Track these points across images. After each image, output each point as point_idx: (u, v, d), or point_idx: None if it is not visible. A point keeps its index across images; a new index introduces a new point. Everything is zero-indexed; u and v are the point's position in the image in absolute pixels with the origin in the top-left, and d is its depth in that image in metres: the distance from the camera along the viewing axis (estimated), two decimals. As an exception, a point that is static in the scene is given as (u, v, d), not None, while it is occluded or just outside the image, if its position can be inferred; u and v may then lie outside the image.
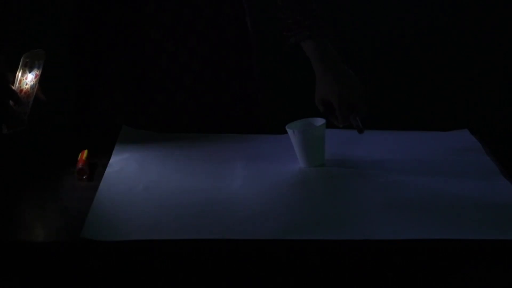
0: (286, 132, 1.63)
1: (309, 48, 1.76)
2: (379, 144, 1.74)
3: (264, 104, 1.97)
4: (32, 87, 1.57)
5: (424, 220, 1.37)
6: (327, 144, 1.66)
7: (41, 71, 1.59)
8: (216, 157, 1.67)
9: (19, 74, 1.56)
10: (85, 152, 1.60)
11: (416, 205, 1.43)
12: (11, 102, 1.53)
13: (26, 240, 1.31)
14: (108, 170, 1.58)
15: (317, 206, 1.44)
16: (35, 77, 1.57)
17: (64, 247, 1.30)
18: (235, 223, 1.37)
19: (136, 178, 1.55)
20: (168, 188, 1.51)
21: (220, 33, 1.85)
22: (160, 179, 1.55)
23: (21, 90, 1.55)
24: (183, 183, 1.53)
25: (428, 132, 1.83)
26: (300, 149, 1.62)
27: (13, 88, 1.53)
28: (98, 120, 1.85)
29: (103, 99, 1.84)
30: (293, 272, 1.30)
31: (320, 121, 1.64)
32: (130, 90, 1.83)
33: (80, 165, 1.55)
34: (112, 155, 1.65)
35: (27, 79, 1.56)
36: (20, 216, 1.39)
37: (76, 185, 1.52)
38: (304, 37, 1.75)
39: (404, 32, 2.85)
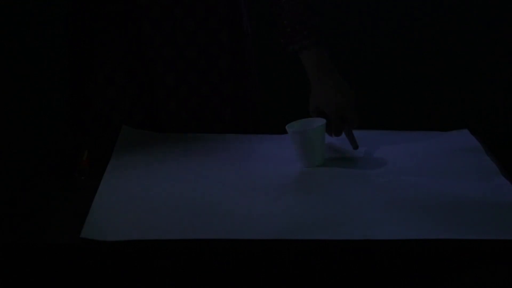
0: (286, 132, 1.63)
1: (306, 57, 1.76)
2: (379, 144, 1.74)
3: (258, 108, 1.96)
4: None
5: (424, 220, 1.37)
6: (327, 144, 1.66)
7: None
8: (216, 157, 1.67)
9: None
10: (85, 152, 1.60)
11: (416, 205, 1.43)
12: None
13: (26, 240, 1.31)
14: (108, 170, 1.58)
15: (317, 206, 1.44)
16: None
17: (64, 247, 1.30)
18: (235, 223, 1.37)
19: (136, 178, 1.55)
20: (168, 188, 1.51)
21: (211, 35, 1.84)
22: (160, 179, 1.55)
23: None
24: (183, 183, 1.53)
25: (428, 132, 1.83)
26: (300, 149, 1.62)
27: None
28: (92, 116, 1.84)
29: (97, 96, 1.83)
30: (293, 272, 1.30)
31: (320, 121, 1.64)
32: (123, 87, 1.82)
33: (80, 165, 1.55)
34: (112, 155, 1.65)
35: None
36: (20, 217, 1.39)
37: (76, 185, 1.52)
38: (302, 47, 1.75)
39: (404, 32, 2.85)
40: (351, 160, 1.67)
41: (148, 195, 1.48)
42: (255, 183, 1.54)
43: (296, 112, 1.77)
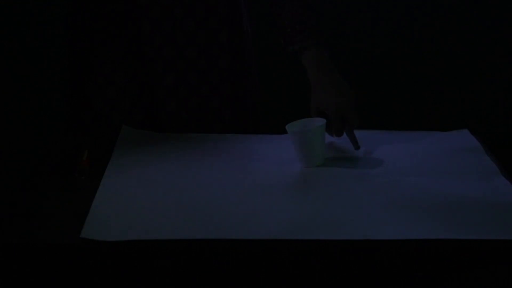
0: (286, 132, 1.63)
1: (306, 57, 1.76)
2: (379, 144, 1.74)
3: (258, 108, 1.96)
4: None
5: (424, 220, 1.37)
6: (327, 144, 1.66)
7: None
8: (216, 157, 1.67)
9: None
10: (85, 152, 1.60)
11: (416, 205, 1.43)
12: None
13: (26, 241, 1.31)
14: (108, 170, 1.58)
15: (317, 206, 1.44)
16: None
17: (64, 247, 1.30)
18: (235, 223, 1.37)
19: (136, 178, 1.55)
20: (168, 188, 1.51)
21: (211, 35, 1.84)
22: (160, 179, 1.55)
23: None
24: (182, 183, 1.53)
25: (428, 132, 1.83)
26: (300, 149, 1.62)
27: None
28: (92, 116, 1.84)
29: (97, 96, 1.83)
30: (293, 272, 1.30)
31: (320, 121, 1.64)
32: (123, 87, 1.82)
33: (80, 165, 1.55)
34: (112, 155, 1.65)
35: None
36: (20, 217, 1.39)
37: (76, 185, 1.52)
38: (302, 47, 1.75)
39: (404, 32, 2.85)
40: (351, 160, 1.67)
41: (148, 195, 1.48)
42: (255, 183, 1.54)
43: (296, 112, 1.77)
